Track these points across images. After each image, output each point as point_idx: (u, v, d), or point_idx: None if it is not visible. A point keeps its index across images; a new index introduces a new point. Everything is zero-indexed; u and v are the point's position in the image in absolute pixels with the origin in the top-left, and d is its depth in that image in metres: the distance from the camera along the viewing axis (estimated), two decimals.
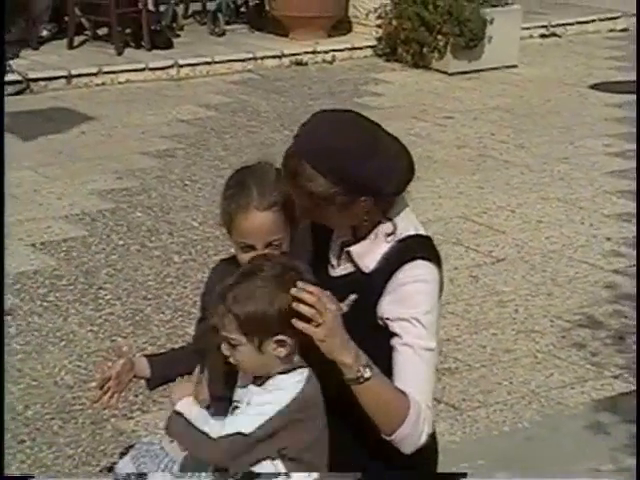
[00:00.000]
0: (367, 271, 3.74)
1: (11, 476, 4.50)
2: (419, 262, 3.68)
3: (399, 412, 3.57)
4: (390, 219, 3.75)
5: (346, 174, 3.57)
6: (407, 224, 3.78)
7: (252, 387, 3.61)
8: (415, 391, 3.62)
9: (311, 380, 3.55)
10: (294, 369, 3.55)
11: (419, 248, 3.73)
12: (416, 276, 3.69)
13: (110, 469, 4.07)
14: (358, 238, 3.82)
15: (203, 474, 3.71)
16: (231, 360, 3.56)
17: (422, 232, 3.77)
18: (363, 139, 3.68)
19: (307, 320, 3.38)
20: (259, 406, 3.49)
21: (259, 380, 3.58)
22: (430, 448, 3.98)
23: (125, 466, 4.02)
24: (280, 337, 3.45)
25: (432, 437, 4.03)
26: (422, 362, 3.67)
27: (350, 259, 3.81)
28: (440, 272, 3.74)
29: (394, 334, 3.69)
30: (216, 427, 3.48)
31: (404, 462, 3.78)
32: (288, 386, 3.52)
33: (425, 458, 3.92)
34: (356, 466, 3.70)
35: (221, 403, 3.80)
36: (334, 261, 3.90)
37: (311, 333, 3.40)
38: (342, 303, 3.63)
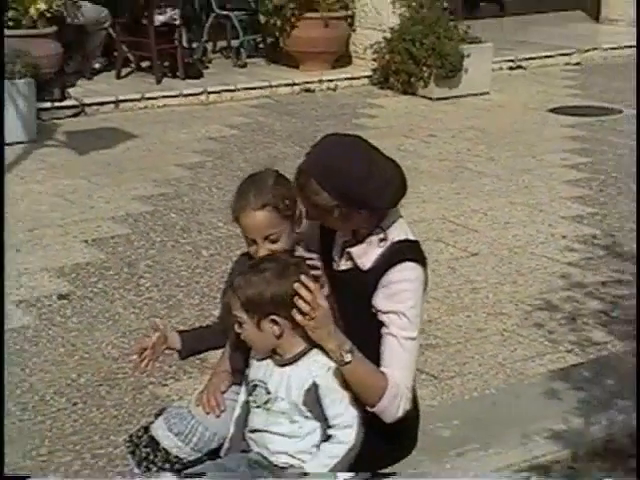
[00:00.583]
0: (364, 269, 3.81)
1: (11, 476, 4.07)
2: (407, 264, 3.76)
3: (377, 390, 3.65)
4: (383, 228, 3.80)
5: (346, 191, 3.65)
6: (399, 231, 3.84)
7: (274, 367, 3.72)
8: (396, 374, 3.69)
9: None
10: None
11: (408, 251, 3.79)
12: (404, 276, 3.76)
13: (146, 428, 4.02)
14: (357, 240, 3.87)
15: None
16: (241, 336, 3.63)
17: (411, 237, 3.83)
18: (362, 163, 3.75)
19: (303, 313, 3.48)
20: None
21: (279, 359, 3.69)
22: (412, 416, 3.99)
23: (159, 426, 3.96)
24: (274, 317, 3.57)
25: (414, 406, 4.03)
26: (404, 350, 3.75)
27: (350, 258, 3.86)
28: (425, 272, 3.80)
29: (383, 324, 3.75)
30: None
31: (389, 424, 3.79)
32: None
33: (407, 424, 3.95)
34: None
35: (239, 374, 3.89)
36: (337, 257, 3.95)
37: (304, 324, 3.51)
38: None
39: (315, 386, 3.62)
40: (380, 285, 3.75)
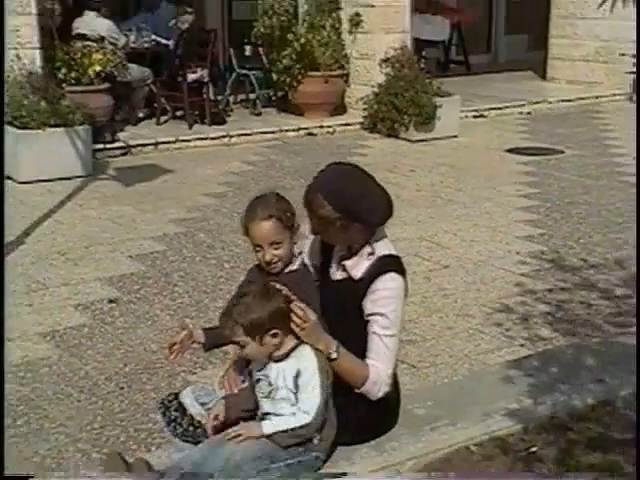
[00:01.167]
0: (356, 279, 3.92)
1: (11, 476, 3.76)
2: (391, 274, 3.85)
3: (360, 377, 3.82)
4: (372, 244, 3.88)
5: (346, 207, 3.79)
6: (385, 247, 3.93)
7: (271, 362, 3.76)
8: (379, 365, 3.82)
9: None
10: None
11: (391, 264, 3.88)
12: (387, 285, 3.85)
13: (176, 395, 4.02)
14: (351, 254, 3.93)
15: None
16: (243, 355, 3.80)
17: (394, 253, 3.91)
18: (359, 185, 3.88)
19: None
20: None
21: (275, 356, 3.74)
22: (394, 398, 4.02)
23: (187, 395, 4.00)
24: (273, 331, 3.66)
25: (396, 390, 4.04)
26: (385, 346, 3.86)
27: (344, 269, 3.91)
28: (405, 281, 3.89)
29: (368, 324, 3.85)
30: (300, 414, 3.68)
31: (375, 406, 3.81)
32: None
33: (390, 405, 3.97)
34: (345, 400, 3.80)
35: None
36: (334, 268, 4.04)
37: (298, 333, 3.69)
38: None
39: (298, 372, 3.66)
40: (368, 292, 3.83)
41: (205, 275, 6.89)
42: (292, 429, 3.64)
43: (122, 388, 5.09)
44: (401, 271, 3.88)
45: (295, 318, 3.68)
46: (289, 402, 3.69)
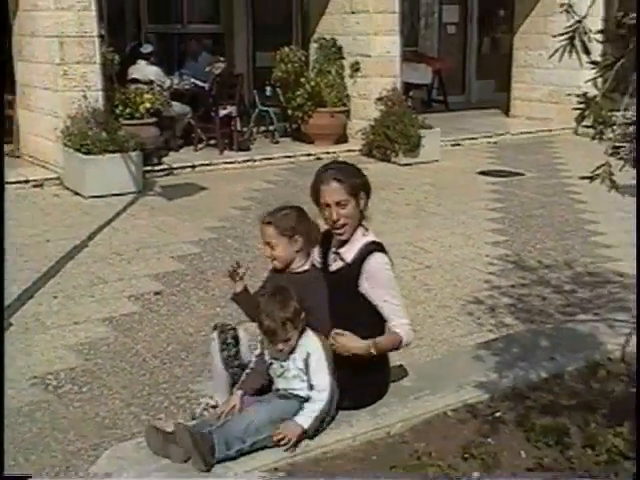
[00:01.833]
0: (348, 261, 3.86)
1: (11, 476, 3.46)
2: (377, 254, 3.84)
3: (397, 344, 3.88)
4: (363, 227, 3.92)
5: (353, 184, 3.90)
6: (371, 236, 3.93)
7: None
8: (401, 321, 3.86)
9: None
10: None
11: (376, 246, 3.86)
12: (377, 261, 3.83)
13: (234, 329, 4.05)
14: (343, 243, 3.87)
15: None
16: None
17: (377, 240, 3.91)
18: (356, 169, 4.05)
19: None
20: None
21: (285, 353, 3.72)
22: (385, 372, 4.01)
23: (244, 336, 4.06)
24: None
25: (387, 366, 4.03)
26: (395, 305, 3.87)
27: (339, 258, 3.86)
28: (388, 256, 3.90)
29: (375, 298, 3.83)
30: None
31: (368, 371, 3.84)
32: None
33: (382, 377, 3.98)
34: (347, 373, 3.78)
35: None
36: (331, 261, 3.98)
37: (338, 351, 3.74)
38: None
39: (308, 354, 3.65)
40: (362, 271, 3.82)
41: None
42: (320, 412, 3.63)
43: (165, 363, 5.09)
44: (384, 251, 3.90)
45: (337, 342, 3.74)
46: (300, 379, 3.69)
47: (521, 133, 14.47)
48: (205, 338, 5.34)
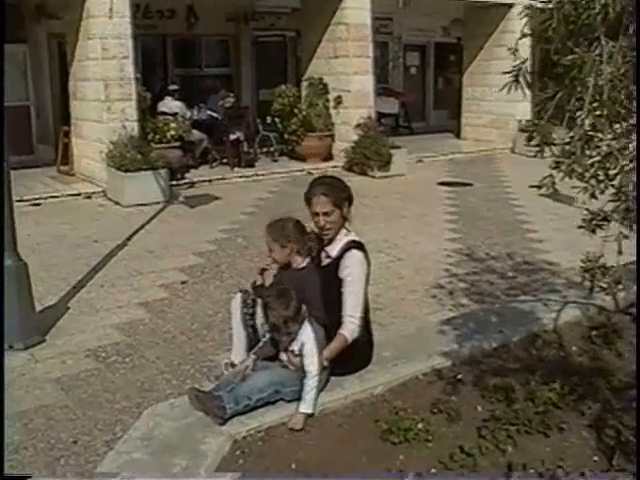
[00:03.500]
0: (333, 256, 3.79)
1: (11, 476, 3.15)
2: (354, 251, 3.77)
3: (344, 344, 3.73)
4: (344, 233, 3.85)
5: (338, 197, 3.83)
6: (352, 236, 3.86)
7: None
8: (352, 314, 3.71)
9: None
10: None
11: (355, 245, 3.78)
12: (351, 257, 3.75)
13: (254, 300, 3.97)
14: (330, 242, 3.83)
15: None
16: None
17: (357, 239, 3.83)
18: (342, 183, 4.00)
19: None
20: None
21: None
22: (369, 345, 3.96)
23: (260, 303, 3.91)
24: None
25: (369, 337, 3.97)
26: (354, 297, 3.73)
27: (327, 255, 3.82)
28: (366, 255, 3.80)
29: (344, 286, 3.76)
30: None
31: (356, 347, 3.80)
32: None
33: (366, 348, 3.93)
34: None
35: None
36: (323, 258, 3.93)
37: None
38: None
39: (303, 344, 3.60)
40: (340, 265, 3.76)
41: (242, 266, 6.78)
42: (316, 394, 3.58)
43: (190, 339, 5.01)
44: (362, 248, 3.85)
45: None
46: (297, 356, 3.66)
47: (470, 152, 14.45)
48: (222, 318, 5.31)
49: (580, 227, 2.34)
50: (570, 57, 2.07)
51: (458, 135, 16.00)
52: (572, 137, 2.17)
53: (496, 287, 6.06)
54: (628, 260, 2.58)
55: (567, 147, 2.13)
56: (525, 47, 14.49)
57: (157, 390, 4.18)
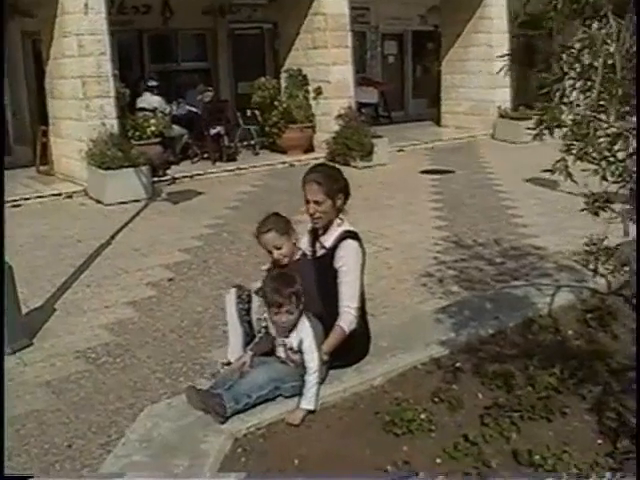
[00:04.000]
0: (328, 247, 3.74)
1: (11, 476, 3.10)
2: (349, 240, 3.70)
3: (342, 336, 3.65)
4: (339, 223, 3.79)
5: (331, 188, 3.74)
6: (347, 226, 3.80)
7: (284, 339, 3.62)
8: (349, 304, 3.64)
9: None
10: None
11: (349, 234, 3.73)
12: (348, 246, 3.69)
13: (249, 294, 3.90)
14: (324, 233, 3.77)
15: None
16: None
17: (352, 229, 3.78)
18: (338, 174, 3.91)
19: None
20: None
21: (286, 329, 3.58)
22: (366, 336, 3.91)
23: (255, 298, 3.87)
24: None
25: (366, 327, 3.92)
26: (350, 287, 3.67)
27: (322, 246, 3.76)
28: (360, 244, 3.74)
29: (339, 276, 3.68)
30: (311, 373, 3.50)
31: (353, 339, 3.74)
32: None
33: (363, 340, 3.87)
34: None
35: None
36: (318, 249, 3.86)
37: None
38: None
39: (301, 340, 3.53)
40: (335, 255, 3.70)
41: (229, 260, 6.71)
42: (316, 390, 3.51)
43: (181, 336, 4.94)
44: (357, 238, 3.80)
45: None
46: (296, 352, 3.60)
47: (451, 139, 14.41)
48: (212, 314, 5.23)
49: (582, 210, 2.29)
50: (579, 36, 2.01)
51: (438, 123, 15.97)
52: (574, 120, 2.11)
53: (485, 273, 6.03)
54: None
55: (575, 129, 2.06)
56: (503, 33, 14.38)
57: (150, 390, 4.10)
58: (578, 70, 2.06)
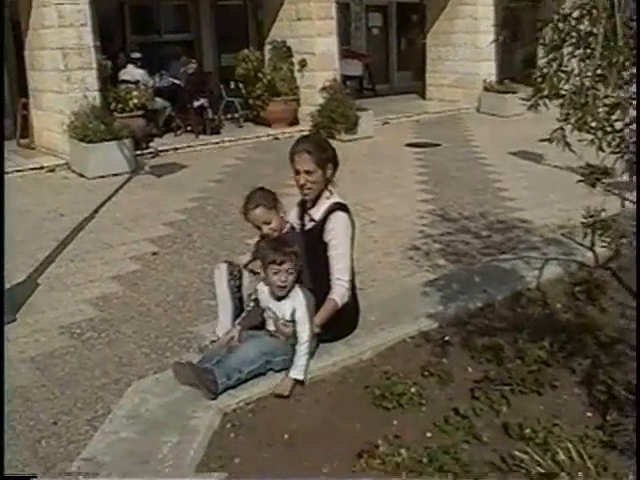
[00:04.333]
0: (317, 220, 3.70)
1: (11, 476, 3.03)
2: (339, 212, 3.67)
3: (335, 309, 3.64)
4: (329, 190, 3.77)
5: (321, 157, 3.70)
6: (336, 198, 3.76)
7: (274, 301, 3.58)
8: (340, 276, 3.61)
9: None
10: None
11: (339, 206, 3.69)
12: (337, 219, 3.65)
13: (240, 273, 3.87)
14: (313, 206, 3.73)
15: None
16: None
17: (341, 201, 3.75)
18: (327, 144, 3.90)
19: None
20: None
21: (278, 296, 3.55)
22: (355, 309, 3.87)
23: (246, 274, 3.84)
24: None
25: (355, 302, 3.88)
26: (341, 260, 3.63)
27: (311, 219, 3.71)
28: (350, 216, 3.72)
29: (330, 248, 3.65)
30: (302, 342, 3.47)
31: (342, 312, 3.69)
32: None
33: (352, 313, 3.82)
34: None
35: None
36: (306, 222, 3.81)
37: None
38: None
39: (294, 310, 3.49)
40: (324, 228, 3.65)
41: (214, 234, 6.64)
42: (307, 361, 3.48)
43: (166, 311, 4.88)
44: (347, 210, 3.76)
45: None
46: (285, 326, 3.55)
47: (436, 112, 14.32)
48: (197, 288, 5.17)
49: (579, 181, 2.24)
50: (578, 3, 1.95)
51: (423, 96, 15.86)
52: (573, 89, 2.05)
53: (472, 247, 6.00)
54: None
55: (574, 98, 2.01)
56: (488, 6, 14.24)
57: (136, 365, 4.05)
58: (576, 38, 2.01)
